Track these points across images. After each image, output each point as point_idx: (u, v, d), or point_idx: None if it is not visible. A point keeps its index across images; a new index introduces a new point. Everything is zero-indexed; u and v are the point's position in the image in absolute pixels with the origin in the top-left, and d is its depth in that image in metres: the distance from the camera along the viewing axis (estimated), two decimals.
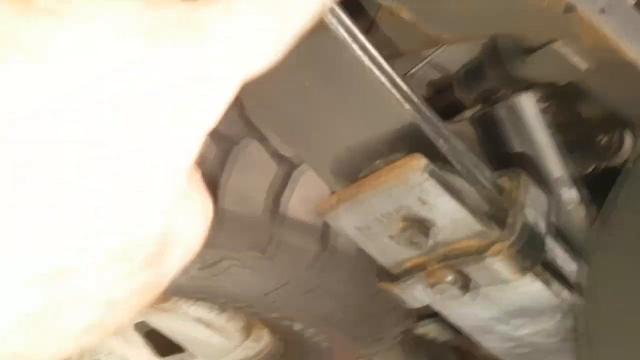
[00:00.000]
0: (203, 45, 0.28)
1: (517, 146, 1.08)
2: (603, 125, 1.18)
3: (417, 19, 0.96)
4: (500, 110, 1.10)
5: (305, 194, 0.85)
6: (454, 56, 1.17)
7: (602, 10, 0.98)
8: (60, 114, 0.24)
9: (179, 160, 0.27)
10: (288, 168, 0.84)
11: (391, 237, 0.59)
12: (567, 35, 0.97)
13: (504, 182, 0.60)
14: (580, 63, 1.01)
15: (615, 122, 1.14)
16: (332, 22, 0.49)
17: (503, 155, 1.11)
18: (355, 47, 0.51)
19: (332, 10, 0.50)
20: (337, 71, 0.53)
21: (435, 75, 1.40)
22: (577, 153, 1.29)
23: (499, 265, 0.55)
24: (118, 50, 0.25)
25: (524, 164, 1.09)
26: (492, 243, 0.55)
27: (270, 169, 0.82)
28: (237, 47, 0.29)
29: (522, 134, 1.09)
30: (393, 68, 0.54)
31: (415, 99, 0.54)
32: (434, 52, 1.18)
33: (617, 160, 1.18)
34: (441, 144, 0.55)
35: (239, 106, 0.82)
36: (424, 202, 0.55)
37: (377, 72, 0.52)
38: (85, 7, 0.25)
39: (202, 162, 0.72)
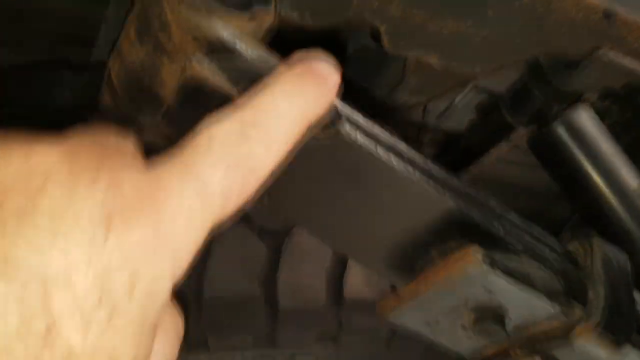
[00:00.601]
0: (163, 222, 0.30)
1: (584, 163, 1.01)
2: None
3: (444, 61, 0.91)
4: (559, 128, 1.03)
5: (366, 270, 0.81)
6: (496, 76, 1.11)
7: None
8: None
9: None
10: None
11: (464, 327, 0.55)
12: (610, 39, 0.90)
13: (575, 247, 0.54)
14: (632, 63, 0.93)
15: None
16: (349, 131, 0.46)
17: (568, 176, 1.04)
18: (380, 150, 0.47)
19: (347, 119, 0.46)
20: (366, 176, 0.49)
21: (482, 98, 1.34)
22: None
23: (589, 346, 0.50)
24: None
25: (594, 182, 1.01)
26: (576, 323, 0.50)
27: (325, 254, 0.79)
28: (199, 212, 0.31)
29: (587, 149, 1.01)
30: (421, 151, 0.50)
31: (456, 184, 0.50)
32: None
33: None
34: (496, 227, 0.50)
35: None
36: (490, 292, 0.50)
37: (408, 170, 0.48)
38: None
39: (253, 264, 0.69)
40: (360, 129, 0.47)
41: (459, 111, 1.31)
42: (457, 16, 0.85)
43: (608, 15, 0.88)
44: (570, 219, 1.40)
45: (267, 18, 0.47)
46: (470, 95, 1.28)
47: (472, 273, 0.49)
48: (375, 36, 0.93)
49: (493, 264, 0.48)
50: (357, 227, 0.54)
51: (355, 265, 0.79)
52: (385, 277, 0.59)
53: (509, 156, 1.38)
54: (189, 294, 0.71)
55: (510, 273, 0.49)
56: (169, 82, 0.48)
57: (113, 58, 0.52)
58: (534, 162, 1.23)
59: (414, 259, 0.55)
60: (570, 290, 0.51)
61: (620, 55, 0.94)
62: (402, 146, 0.48)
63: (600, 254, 0.52)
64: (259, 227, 0.76)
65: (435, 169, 0.49)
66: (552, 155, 1.08)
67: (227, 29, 0.44)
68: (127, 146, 0.38)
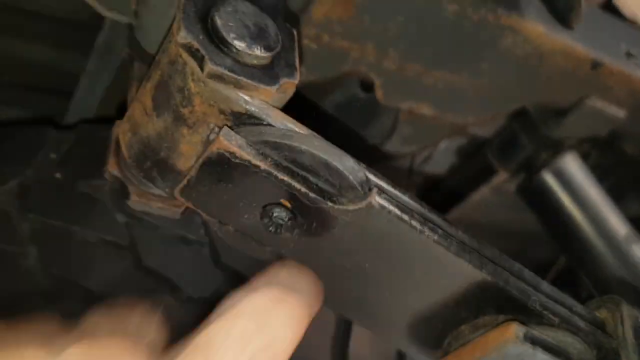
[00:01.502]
0: None
1: (573, 210, 1.01)
2: None
3: (437, 112, 0.91)
4: (547, 177, 1.03)
5: (371, 336, 0.78)
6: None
7: (629, 55, 0.92)
8: None
9: None
10: None
11: None
12: (598, 89, 0.91)
13: (604, 314, 0.53)
14: (617, 112, 0.95)
15: None
16: (383, 203, 0.44)
17: (558, 223, 1.04)
18: (414, 222, 0.45)
19: (380, 190, 0.44)
20: (397, 248, 0.47)
21: (465, 142, 1.33)
22: (631, 195, 1.21)
23: None
24: None
25: (583, 230, 1.01)
26: None
27: (329, 323, 0.76)
28: None
29: (576, 197, 1.02)
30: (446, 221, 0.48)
31: (492, 254, 0.48)
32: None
33: None
34: (532, 301, 0.48)
35: None
36: None
37: (443, 242, 0.46)
38: None
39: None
40: (393, 201, 0.45)
41: (442, 155, 1.31)
42: (452, 69, 0.85)
43: (595, 65, 0.89)
44: (554, 262, 1.41)
45: (291, 88, 0.45)
46: (454, 139, 1.28)
47: (510, 350, 0.47)
48: (366, 87, 0.92)
49: (534, 341, 0.46)
50: (382, 300, 0.52)
51: (360, 333, 0.76)
52: (407, 350, 0.56)
53: (489, 199, 1.38)
54: None
55: (548, 348, 0.47)
56: (188, 154, 0.45)
57: (123, 128, 0.49)
58: (514, 205, 1.23)
59: (442, 333, 0.53)
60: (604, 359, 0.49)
61: (606, 104, 0.95)
62: (435, 217, 0.46)
63: (630, 322, 0.51)
64: None
65: (469, 240, 0.47)
66: (541, 203, 1.09)
67: (254, 102, 0.42)
68: (141, 334, 0.39)
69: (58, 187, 0.73)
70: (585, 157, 1.15)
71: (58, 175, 0.74)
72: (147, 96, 0.45)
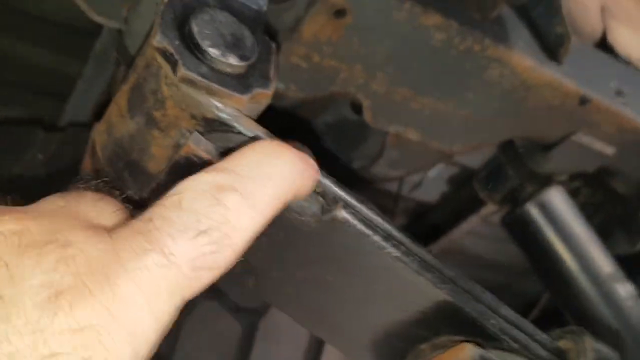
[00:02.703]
0: (118, 300, 0.27)
1: (557, 245, 1.01)
2: None
3: (424, 138, 0.92)
4: (531, 210, 1.04)
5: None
6: (470, 152, 1.12)
7: (619, 93, 0.93)
8: None
9: None
10: None
11: None
12: (585, 125, 0.92)
13: (566, 345, 0.53)
14: (605, 148, 0.95)
15: None
16: (347, 217, 0.45)
17: (541, 257, 1.04)
18: (377, 237, 0.45)
19: (345, 204, 0.45)
20: (360, 263, 0.47)
21: (454, 172, 1.35)
22: (619, 232, 1.21)
23: None
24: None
25: (567, 266, 1.01)
26: None
27: (301, 335, 0.76)
28: (162, 288, 0.29)
29: (561, 231, 1.02)
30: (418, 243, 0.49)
31: (453, 275, 0.48)
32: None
33: None
34: (491, 324, 0.48)
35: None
36: None
37: (405, 259, 0.46)
38: None
39: (226, 344, 0.65)
40: (358, 216, 0.45)
41: (432, 183, 1.32)
42: (439, 96, 0.86)
43: (584, 101, 0.90)
44: (539, 295, 1.41)
45: (265, 99, 0.46)
46: (444, 168, 1.29)
47: None
48: (356, 109, 0.94)
49: None
50: (344, 315, 0.52)
51: (330, 349, 0.76)
52: None
53: (478, 229, 1.39)
54: None
55: None
56: (159, 157, 0.46)
57: (99, 128, 0.50)
58: (502, 236, 1.23)
59: (402, 352, 0.53)
60: None
61: (594, 139, 0.96)
62: (399, 235, 0.47)
63: (592, 355, 0.51)
64: (235, 305, 0.73)
65: (432, 259, 0.47)
66: (525, 235, 1.09)
67: (226, 109, 0.43)
68: (94, 213, 0.35)
69: (42, 186, 0.74)
70: (575, 194, 1.15)
71: (43, 174, 0.75)
72: (123, 98, 0.46)
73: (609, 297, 1.00)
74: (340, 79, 0.81)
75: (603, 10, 1.07)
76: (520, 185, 1.05)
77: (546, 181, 1.06)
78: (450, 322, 0.49)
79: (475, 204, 1.32)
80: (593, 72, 0.93)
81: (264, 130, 0.45)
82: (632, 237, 1.20)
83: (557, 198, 1.04)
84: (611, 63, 0.98)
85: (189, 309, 0.71)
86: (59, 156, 0.76)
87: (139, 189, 0.49)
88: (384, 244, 0.46)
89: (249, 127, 0.45)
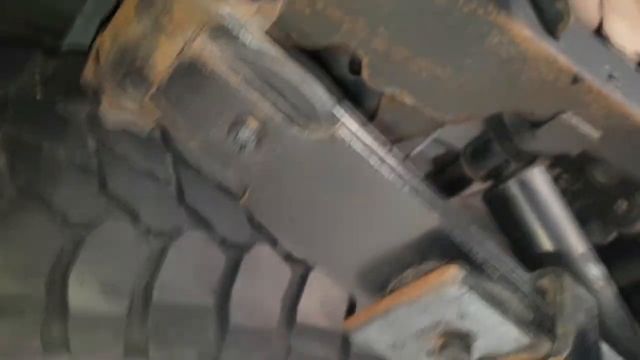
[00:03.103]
0: None
1: (535, 223, 1.03)
2: (621, 190, 1.13)
3: (418, 103, 0.92)
4: (513, 187, 1.05)
5: (323, 297, 0.79)
6: (458, 132, 1.13)
7: (610, 77, 0.95)
8: None
9: None
10: (303, 271, 0.79)
11: (429, 353, 0.54)
12: (575, 105, 0.94)
13: (545, 283, 0.54)
14: (592, 131, 0.97)
15: (635, 186, 1.10)
16: (345, 137, 0.46)
17: (518, 233, 1.06)
18: (373, 159, 0.47)
19: (344, 125, 0.46)
20: (354, 185, 0.49)
21: (440, 151, 1.36)
22: (595, 222, 1.24)
23: None
24: None
25: (542, 243, 1.03)
26: (545, 357, 0.50)
27: (284, 275, 0.77)
28: None
29: (539, 210, 1.04)
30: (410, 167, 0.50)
31: (442, 204, 0.50)
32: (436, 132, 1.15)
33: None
34: (475, 252, 0.50)
35: (248, 212, 0.78)
36: (463, 316, 0.50)
37: (398, 182, 0.47)
38: None
39: (210, 274, 0.66)
40: (355, 136, 0.46)
41: (416, 162, 1.33)
42: (437, 59, 0.87)
43: (577, 80, 0.92)
44: None
45: (272, 12, 0.46)
46: (429, 147, 1.30)
47: (447, 292, 0.48)
48: (355, 69, 0.94)
49: (471, 284, 0.48)
50: (336, 236, 0.53)
51: (311, 290, 0.77)
52: (352, 291, 0.58)
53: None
54: (136, 295, 0.67)
55: (486, 296, 0.48)
56: (161, 64, 0.47)
57: (104, 35, 0.51)
58: (483, 221, 1.25)
59: (388, 276, 0.54)
60: (540, 324, 0.51)
61: (582, 121, 0.98)
62: (393, 160, 0.48)
63: (570, 293, 0.53)
64: (221, 238, 0.73)
65: (422, 186, 0.49)
66: (504, 212, 1.10)
67: (233, 16, 0.44)
68: None
69: (37, 105, 0.74)
70: (555, 181, 1.17)
71: (38, 95, 0.75)
72: (131, 3, 0.46)
73: (580, 276, 1.02)
74: (343, 30, 0.82)
75: (602, 1, 1.09)
76: (505, 162, 1.06)
77: (531, 161, 1.07)
78: (437, 248, 0.50)
79: (458, 185, 1.33)
80: (587, 53, 0.95)
81: (272, 42, 0.46)
82: (606, 228, 1.22)
83: (539, 178, 1.06)
84: (605, 49, 0.99)
85: (174, 237, 0.72)
86: (56, 80, 0.76)
87: (139, 96, 0.50)
88: (378, 165, 0.47)
89: (256, 37, 0.45)
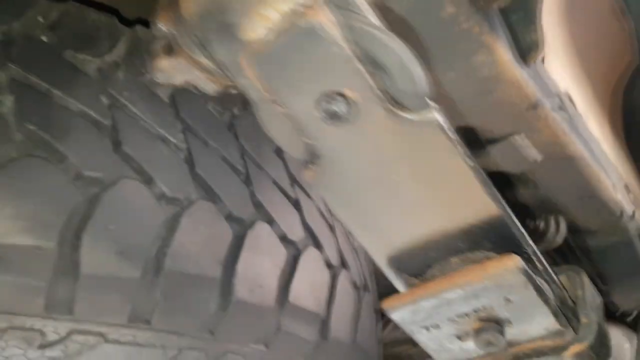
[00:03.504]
0: None
1: None
2: (537, 210, 1.24)
3: None
4: None
5: (312, 280, 0.81)
6: None
7: (560, 108, 1.06)
8: None
9: None
10: (295, 253, 0.80)
11: (462, 336, 0.58)
12: (529, 129, 1.03)
13: (564, 279, 0.60)
14: (536, 155, 1.07)
15: (550, 208, 1.21)
16: (436, 122, 0.49)
17: None
18: (454, 146, 0.50)
19: (435, 110, 0.49)
20: (429, 167, 0.52)
21: None
22: None
23: None
24: None
25: None
26: (570, 343, 0.55)
27: (281, 254, 0.77)
28: None
29: None
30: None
31: (501, 199, 0.54)
32: None
33: (551, 245, 1.25)
34: (526, 244, 0.54)
35: (250, 188, 0.78)
36: (509, 302, 0.54)
37: (470, 170, 0.51)
38: None
39: (218, 247, 0.65)
40: (442, 123, 0.49)
41: None
42: (426, 67, 0.92)
43: (534, 106, 1.01)
44: None
45: None
46: None
47: (506, 279, 0.52)
48: None
49: (527, 273, 0.52)
50: (393, 214, 0.55)
51: (303, 271, 0.79)
52: (389, 276, 0.60)
53: None
54: (150, 260, 0.64)
55: (536, 286, 0.53)
56: (258, 25, 0.47)
57: None
58: None
59: (431, 261, 0.58)
60: (566, 314, 0.57)
61: (530, 145, 1.08)
62: (466, 149, 0.52)
63: (590, 288, 0.59)
64: (228, 212, 0.72)
65: (489, 180, 0.53)
66: None
67: None
68: None
69: (44, 49, 0.69)
70: None
71: (45, 38, 0.70)
72: None
73: None
74: None
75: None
76: None
77: None
78: (491, 237, 0.54)
79: None
80: (544, 83, 1.05)
81: (382, 19, 0.48)
82: None
83: None
84: (555, 82, 1.10)
85: (186, 205, 0.70)
86: (62, 26, 0.71)
87: (225, 53, 0.50)
88: (464, 151, 0.50)
89: (369, 13, 0.47)
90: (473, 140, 1.12)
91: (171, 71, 0.58)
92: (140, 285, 0.64)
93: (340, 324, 0.84)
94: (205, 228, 0.70)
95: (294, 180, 0.86)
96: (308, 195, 0.86)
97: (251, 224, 0.74)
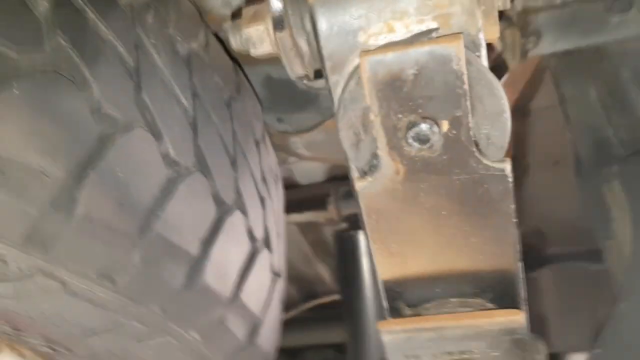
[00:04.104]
0: None
1: (363, 278, 1.17)
2: None
3: None
4: (360, 236, 1.20)
5: (259, 281, 0.79)
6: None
7: None
8: None
9: None
10: (255, 250, 0.78)
11: None
12: None
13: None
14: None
15: None
16: (505, 174, 0.53)
17: (348, 282, 1.20)
18: (511, 199, 0.55)
19: (507, 163, 0.53)
20: (482, 212, 0.55)
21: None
22: None
23: None
24: None
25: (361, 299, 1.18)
26: None
27: (245, 248, 0.75)
28: None
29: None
30: None
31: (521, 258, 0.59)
32: None
33: None
34: (523, 305, 0.60)
35: (235, 174, 0.75)
36: (495, 348, 0.59)
37: (514, 225, 0.56)
38: None
39: (202, 225, 0.64)
40: (508, 176, 0.54)
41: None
42: None
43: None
44: None
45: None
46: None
47: (509, 329, 0.57)
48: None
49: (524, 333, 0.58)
50: (422, 243, 0.58)
51: (257, 271, 0.77)
52: (384, 293, 0.62)
53: None
54: (145, 218, 0.59)
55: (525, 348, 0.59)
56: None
57: None
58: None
59: (429, 296, 0.61)
60: None
61: None
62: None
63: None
64: (215, 191, 0.69)
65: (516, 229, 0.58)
66: (345, 254, 1.24)
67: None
68: None
69: None
70: None
71: None
72: None
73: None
74: None
75: None
76: None
77: None
78: (497, 290, 0.59)
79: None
80: None
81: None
82: None
83: None
84: None
85: (184, 173, 0.66)
86: None
87: (338, 50, 0.51)
88: (514, 207, 0.55)
89: (486, 61, 0.51)
90: None
91: (256, 39, 0.56)
92: (125, 243, 0.59)
93: (268, 332, 0.83)
94: (196, 201, 0.66)
95: (263, 178, 0.84)
96: (270, 197, 0.86)
97: (231, 210, 0.72)
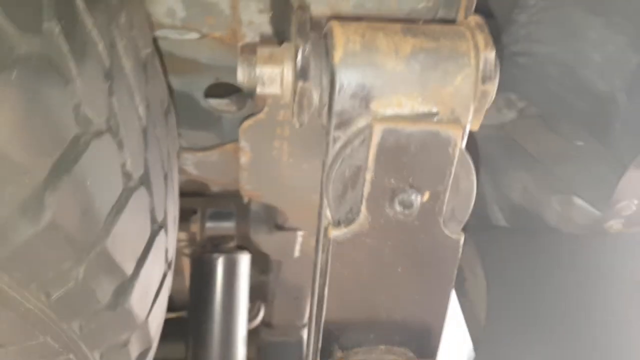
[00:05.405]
0: None
1: (214, 303, 1.19)
2: None
3: None
4: (220, 261, 1.21)
5: (162, 303, 0.76)
6: None
7: None
8: None
9: None
10: (166, 271, 0.75)
11: None
12: None
13: None
14: None
15: None
16: (460, 241, 0.61)
17: (197, 304, 1.20)
18: (458, 261, 0.62)
19: (463, 234, 0.61)
20: (433, 268, 0.62)
21: None
22: None
23: None
24: None
25: (210, 322, 1.19)
26: None
27: (161, 271, 0.72)
28: None
29: (227, 293, 1.21)
30: None
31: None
32: None
33: None
34: (437, 353, 0.67)
35: (166, 192, 0.73)
36: None
37: (453, 284, 0.64)
38: None
39: (139, 243, 0.64)
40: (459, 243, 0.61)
41: None
42: None
43: None
44: None
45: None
46: None
47: None
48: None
49: None
50: (372, 290, 0.63)
51: (161, 296, 0.74)
52: (322, 333, 0.65)
53: None
54: (96, 234, 0.53)
55: None
56: None
57: None
58: None
59: (365, 343, 0.66)
60: None
61: None
62: None
63: None
64: (152, 208, 0.65)
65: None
66: (201, 277, 1.23)
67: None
68: None
69: None
70: None
71: None
72: None
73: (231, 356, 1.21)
74: None
75: None
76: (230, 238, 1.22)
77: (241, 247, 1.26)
78: (422, 342, 0.66)
79: None
80: None
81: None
82: None
83: (243, 264, 1.23)
84: None
85: (135, 186, 0.61)
86: None
87: (349, 111, 0.55)
88: (456, 271, 0.62)
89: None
90: None
91: (267, 79, 0.56)
92: (75, 257, 0.54)
93: (152, 353, 0.80)
94: (138, 218, 0.63)
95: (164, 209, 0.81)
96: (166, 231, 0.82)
97: (159, 230, 0.69)
